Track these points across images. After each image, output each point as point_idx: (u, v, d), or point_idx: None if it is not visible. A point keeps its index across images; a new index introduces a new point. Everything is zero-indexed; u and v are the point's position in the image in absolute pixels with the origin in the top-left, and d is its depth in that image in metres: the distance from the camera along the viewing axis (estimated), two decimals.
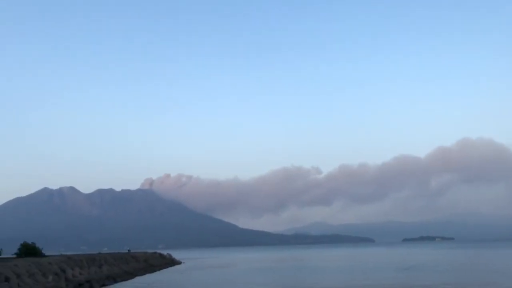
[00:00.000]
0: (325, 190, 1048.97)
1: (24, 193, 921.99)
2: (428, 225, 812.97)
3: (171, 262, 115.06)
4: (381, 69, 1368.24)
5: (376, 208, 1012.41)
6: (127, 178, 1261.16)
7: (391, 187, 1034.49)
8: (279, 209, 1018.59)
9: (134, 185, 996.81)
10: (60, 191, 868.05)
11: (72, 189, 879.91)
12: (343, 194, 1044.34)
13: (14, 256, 64.54)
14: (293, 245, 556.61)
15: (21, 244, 66.75)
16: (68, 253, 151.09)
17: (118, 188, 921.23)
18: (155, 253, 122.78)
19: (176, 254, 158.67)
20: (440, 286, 42.29)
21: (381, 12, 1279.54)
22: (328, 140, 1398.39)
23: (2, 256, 61.01)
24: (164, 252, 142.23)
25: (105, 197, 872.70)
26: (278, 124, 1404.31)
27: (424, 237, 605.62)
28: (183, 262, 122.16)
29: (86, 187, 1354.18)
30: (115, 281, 56.64)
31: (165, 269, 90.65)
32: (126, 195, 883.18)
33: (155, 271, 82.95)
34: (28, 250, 64.59)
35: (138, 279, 62.92)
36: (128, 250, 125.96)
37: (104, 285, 51.59)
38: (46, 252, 72.07)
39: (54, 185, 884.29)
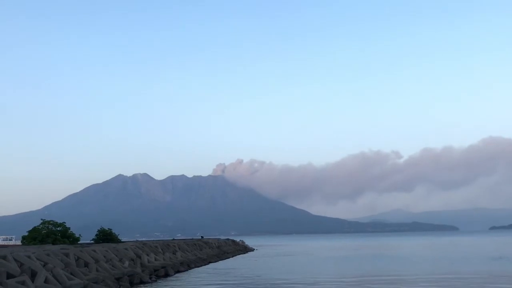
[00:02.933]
0: (405, 176, 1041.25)
1: (99, 179, 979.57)
2: None
3: (244, 249, 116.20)
4: (470, 43, 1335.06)
5: (461, 194, 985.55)
6: (198, 164, 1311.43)
7: (478, 171, 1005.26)
8: (355, 195, 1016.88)
9: (205, 171, 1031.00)
10: (134, 177, 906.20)
11: (146, 175, 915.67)
12: (425, 179, 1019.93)
13: (92, 242, 67.37)
14: (370, 233, 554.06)
15: (99, 230, 69.53)
16: (143, 239, 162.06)
17: (189, 175, 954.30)
18: (228, 239, 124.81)
19: (248, 241, 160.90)
20: None
21: None
22: (408, 122, 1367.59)
23: (81, 241, 63.75)
24: (237, 239, 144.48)
25: (177, 183, 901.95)
26: (354, 107, 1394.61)
27: None
28: (256, 249, 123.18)
29: (159, 173, 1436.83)
30: (189, 267, 57.74)
31: (238, 256, 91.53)
32: (198, 181, 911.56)
33: (228, 257, 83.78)
34: (105, 236, 67.39)
35: (212, 265, 63.70)
36: (201, 236, 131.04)
37: (179, 271, 52.65)
38: (122, 238, 74.61)
39: (128, 172, 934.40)
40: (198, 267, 60.81)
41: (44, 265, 30.19)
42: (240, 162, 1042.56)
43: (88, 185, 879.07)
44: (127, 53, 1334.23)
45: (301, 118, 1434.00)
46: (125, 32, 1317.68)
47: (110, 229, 70.04)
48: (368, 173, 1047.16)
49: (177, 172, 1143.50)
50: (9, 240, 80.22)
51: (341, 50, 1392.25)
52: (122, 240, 70.88)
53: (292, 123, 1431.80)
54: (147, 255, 51.77)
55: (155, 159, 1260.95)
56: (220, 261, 73.91)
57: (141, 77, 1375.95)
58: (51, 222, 59.85)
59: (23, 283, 25.82)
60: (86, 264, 36.75)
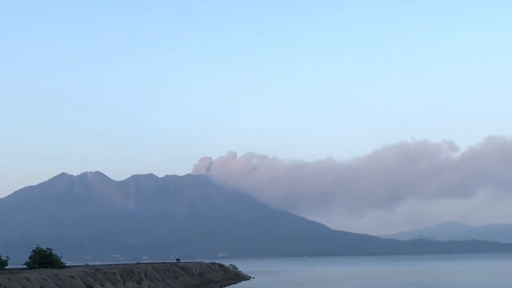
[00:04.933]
0: (462, 175, 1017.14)
1: (35, 180, 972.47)
2: None
3: (236, 276, 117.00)
4: None
5: None
6: (173, 158, 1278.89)
7: None
8: (391, 203, 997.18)
9: (183, 169, 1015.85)
10: (83, 177, 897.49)
11: (99, 174, 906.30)
12: (490, 180, 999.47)
13: (25, 266, 67.31)
14: (411, 255, 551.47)
15: (33, 251, 69.34)
16: (96, 263, 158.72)
17: (161, 173, 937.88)
18: (213, 263, 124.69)
19: (242, 266, 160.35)
20: None
21: None
22: (467, 102, 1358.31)
23: (9, 266, 63.84)
24: (226, 263, 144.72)
25: (144, 185, 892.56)
26: (388, 82, 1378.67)
27: None
28: (253, 277, 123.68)
29: (118, 171, 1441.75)
30: None
31: (228, 287, 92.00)
32: (172, 182, 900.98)
33: None
34: (43, 259, 67.19)
35: None
36: (177, 259, 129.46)
37: None
38: (67, 261, 77.05)
39: (74, 170, 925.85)
40: None
41: None
42: (233, 156, 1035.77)
43: (19, 187, 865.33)
44: (81, 40, 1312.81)
45: (318, 96, 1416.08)
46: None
47: (50, 249, 69.96)
48: (410, 171, 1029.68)
49: (143, 170, 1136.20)
50: None
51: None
52: (66, 265, 70.74)
53: (306, 103, 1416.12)
54: (102, 285, 51.78)
55: (112, 152, 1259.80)
56: None
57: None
58: None
59: None
60: None
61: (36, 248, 69.87)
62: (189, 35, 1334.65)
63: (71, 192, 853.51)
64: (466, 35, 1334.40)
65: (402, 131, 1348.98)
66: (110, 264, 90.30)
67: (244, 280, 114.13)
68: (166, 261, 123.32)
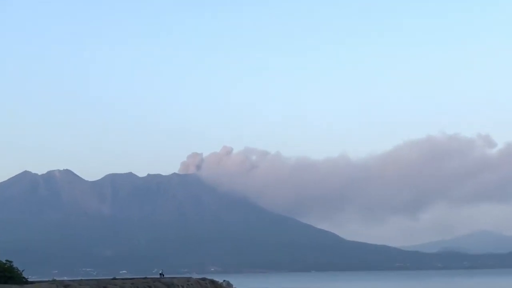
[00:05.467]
0: (500, 175, 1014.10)
1: None
2: None
3: None
4: None
5: None
6: (156, 155, 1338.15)
7: None
8: (415, 208, 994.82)
9: (168, 167, 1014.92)
10: (49, 176, 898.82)
11: (69, 173, 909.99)
12: None
13: None
14: (439, 270, 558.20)
15: None
16: (64, 278, 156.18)
17: (141, 173, 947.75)
18: (204, 279, 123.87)
19: (238, 283, 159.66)
20: None
21: None
22: (504, 92, 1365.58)
23: None
24: (219, 279, 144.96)
25: (121, 186, 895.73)
26: (415, 70, 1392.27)
27: None
28: None
29: (91, 170, 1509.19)
30: None
31: None
32: (155, 183, 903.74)
33: None
34: (1, 273, 66.44)
35: None
36: (161, 274, 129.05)
37: None
38: (30, 276, 75.99)
39: (39, 168, 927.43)
40: None
41: None
42: (228, 152, 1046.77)
43: None
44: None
45: (329, 83, 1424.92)
46: None
47: (10, 262, 69.73)
48: (437, 171, 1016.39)
49: (120, 168, 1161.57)
50: None
51: None
52: (29, 280, 70.64)
53: (315, 90, 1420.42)
54: None
55: (84, 147, 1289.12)
56: None
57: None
58: None
59: None
60: None
61: None
62: (177, 19, 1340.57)
63: (35, 194, 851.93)
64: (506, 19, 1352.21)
65: (429, 124, 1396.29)
66: (81, 280, 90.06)
67: None
68: (147, 276, 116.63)
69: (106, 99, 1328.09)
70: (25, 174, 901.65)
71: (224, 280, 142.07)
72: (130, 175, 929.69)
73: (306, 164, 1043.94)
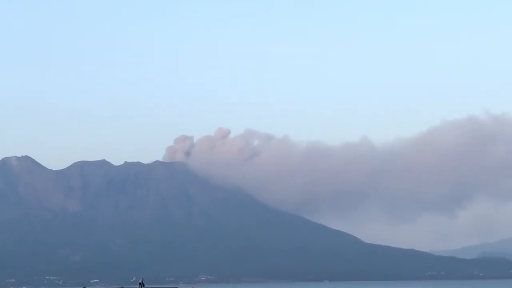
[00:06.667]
0: None
1: None
2: None
3: None
4: None
5: None
6: (134, 140, 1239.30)
7: None
8: (452, 205, 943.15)
9: (149, 155, 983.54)
10: (4, 165, 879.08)
11: (29, 160, 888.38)
12: None
13: None
14: (479, 279, 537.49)
15: None
16: None
17: (117, 161, 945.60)
18: None
19: None
20: None
21: None
22: None
23: None
24: None
25: (92, 176, 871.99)
26: (455, 42, 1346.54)
27: None
28: None
29: (55, 157, 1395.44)
30: None
31: None
32: (133, 173, 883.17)
33: None
34: None
35: None
36: (141, 283, 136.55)
37: None
38: None
39: None
40: None
41: None
42: (224, 135, 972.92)
43: None
44: None
45: (348, 54, 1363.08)
46: None
47: None
48: (481, 159, 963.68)
49: (92, 155, 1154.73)
50: None
51: None
52: None
53: (331, 61, 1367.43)
54: None
55: (47, 130, 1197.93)
56: None
57: None
58: None
59: None
60: None
61: None
62: None
63: None
64: None
65: (472, 102, 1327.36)
66: None
67: None
68: (124, 286, 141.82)
69: (71, 75, 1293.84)
70: None
71: None
72: (103, 163, 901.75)
73: (320, 150, 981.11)
